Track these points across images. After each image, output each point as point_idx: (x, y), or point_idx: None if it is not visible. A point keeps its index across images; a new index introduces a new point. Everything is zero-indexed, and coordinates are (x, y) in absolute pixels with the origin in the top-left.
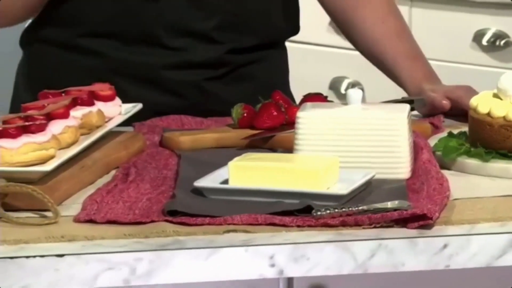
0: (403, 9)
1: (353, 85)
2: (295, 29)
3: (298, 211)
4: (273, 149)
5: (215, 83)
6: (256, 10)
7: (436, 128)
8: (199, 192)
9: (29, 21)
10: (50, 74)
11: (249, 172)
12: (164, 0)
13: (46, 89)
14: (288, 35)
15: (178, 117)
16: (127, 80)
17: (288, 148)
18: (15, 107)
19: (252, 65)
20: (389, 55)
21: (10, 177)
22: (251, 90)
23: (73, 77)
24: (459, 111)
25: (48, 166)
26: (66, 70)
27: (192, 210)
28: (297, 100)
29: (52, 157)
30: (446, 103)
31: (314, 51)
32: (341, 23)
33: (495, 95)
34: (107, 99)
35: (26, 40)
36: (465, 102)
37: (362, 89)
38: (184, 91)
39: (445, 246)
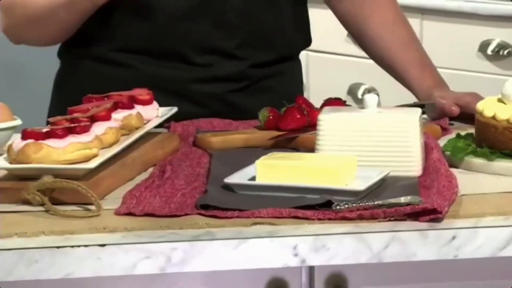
0: (415, 21)
1: (369, 90)
2: (307, 42)
3: (319, 205)
4: (296, 149)
5: (237, 95)
6: (272, 28)
7: (443, 129)
8: (229, 188)
9: None
10: (84, 84)
11: (274, 169)
12: (191, 21)
13: (82, 98)
14: (301, 48)
15: (208, 120)
16: (157, 92)
17: (310, 148)
18: (52, 112)
19: (270, 79)
20: (399, 64)
21: (57, 174)
22: (269, 100)
23: (106, 88)
24: (466, 116)
25: (92, 164)
26: (100, 81)
27: (223, 204)
28: (318, 105)
29: (95, 155)
30: (455, 109)
31: (333, 60)
32: (354, 33)
33: (499, 100)
34: (145, 103)
35: (63, 52)
36: (472, 108)
37: (378, 94)
38: (209, 103)
39: (453, 238)
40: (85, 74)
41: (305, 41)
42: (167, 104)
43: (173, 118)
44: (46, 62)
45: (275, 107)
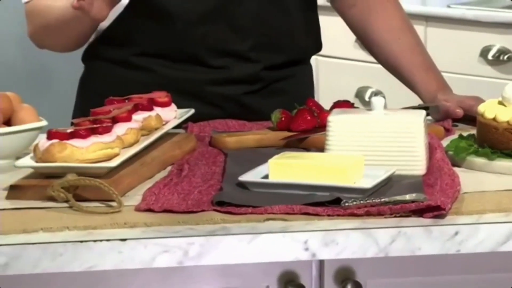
0: (420, 28)
1: (376, 93)
2: (318, 47)
3: (329, 202)
4: (307, 149)
5: (251, 97)
6: (283, 32)
7: (447, 131)
8: (243, 185)
9: (91, 40)
10: (107, 86)
11: (286, 168)
12: (207, 25)
13: (104, 100)
14: (312, 52)
15: (224, 121)
16: (175, 94)
17: (320, 148)
18: (76, 113)
19: (282, 81)
20: (405, 68)
21: (80, 172)
22: (281, 102)
23: (127, 90)
24: (469, 118)
25: (113, 163)
26: (121, 84)
27: (237, 201)
28: (327, 107)
29: (116, 155)
30: (459, 112)
31: (342, 64)
32: (361, 38)
33: (500, 103)
34: (164, 105)
35: (87, 56)
36: (475, 111)
37: (384, 97)
38: (224, 104)
39: (456, 233)
40: (108, 78)
41: (316, 46)
42: (185, 106)
43: (191, 119)
44: (71, 66)
45: (287, 109)
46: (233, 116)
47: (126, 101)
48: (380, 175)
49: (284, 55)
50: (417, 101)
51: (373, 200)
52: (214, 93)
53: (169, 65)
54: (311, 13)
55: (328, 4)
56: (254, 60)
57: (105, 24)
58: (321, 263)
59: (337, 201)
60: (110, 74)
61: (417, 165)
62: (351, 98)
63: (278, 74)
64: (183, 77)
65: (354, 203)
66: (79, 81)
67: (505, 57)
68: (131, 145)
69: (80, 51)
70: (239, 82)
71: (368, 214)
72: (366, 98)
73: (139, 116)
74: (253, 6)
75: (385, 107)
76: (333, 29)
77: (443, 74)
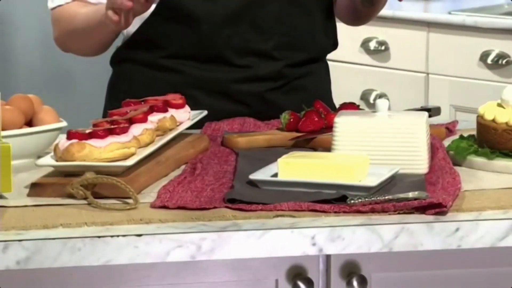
0: (422, 34)
1: (380, 96)
2: (335, 45)
3: (335, 199)
4: (314, 149)
5: (274, 93)
6: (304, 31)
7: (450, 132)
8: (254, 183)
9: (119, 44)
10: (136, 88)
11: (295, 167)
12: (232, 26)
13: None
14: (330, 50)
15: (243, 119)
16: (202, 93)
17: (327, 147)
18: (106, 115)
19: (302, 78)
20: None
21: (98, 171)
22: (302, 98)
23: (155, 91)
24: None
25: (130, 162)
26: (150, 85)
27: (248, 198)
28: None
29: (133, 154)
30: None
31: (348, 68)
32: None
33: (499, 105)
34: (178, 107)
35: (115, 60)
36: None
37: (388, 99)
38: (249, 101)
39: (457, 229)
40: (136, 80)
41: (333, 43)
42: (212, 104)
43: (217, 116)
44: (90, 70)
45: (307, 105)
46: (258, 112)
47: (142, 103)
48: (384, 174)
49: (305, 53)
50: (420, 103)
51: (378, 198)
52: (239, 91)
53: (196, 66)
54: (329, 13)
55: None
56: (277, 58)
57: (131, 29)
58: (328, 257)
59: (343, 199)
60: (138, 76)
61: (419, 164)
62: (356, 100)
63: (299, 71)
64: (210, 77)
65: (360, 200)
66: (108, 84)
67: (504, 61)
68: (146, 145)
69: (102, 55)
70: (262, 79)
71: (373, 211)
72: (371, 101)
73: (154, 118)
74: (275, 8)
75: (389, 109)
76: (339, 35)
77: (444, 77)
